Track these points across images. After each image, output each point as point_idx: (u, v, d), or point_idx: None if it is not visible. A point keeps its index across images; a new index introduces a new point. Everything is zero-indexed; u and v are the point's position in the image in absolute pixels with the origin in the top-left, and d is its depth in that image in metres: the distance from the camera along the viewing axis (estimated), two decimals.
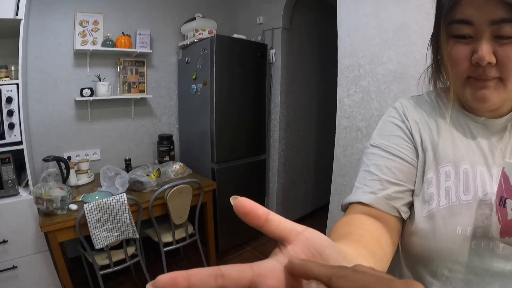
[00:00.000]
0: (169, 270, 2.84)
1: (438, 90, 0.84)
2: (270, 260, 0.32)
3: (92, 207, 2.33)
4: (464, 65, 0.66)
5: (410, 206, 0.77)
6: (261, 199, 4.05)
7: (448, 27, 0.67)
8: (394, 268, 0.85)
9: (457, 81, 0.70)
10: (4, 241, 2.38)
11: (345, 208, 0.79)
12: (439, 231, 0.70)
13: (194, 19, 3.65)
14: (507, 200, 0.59)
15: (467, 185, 0.71)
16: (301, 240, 0.34)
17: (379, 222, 0.71)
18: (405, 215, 0.76)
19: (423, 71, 0.85)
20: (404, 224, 0.78)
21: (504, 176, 0.60)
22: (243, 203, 0.32)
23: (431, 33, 0.76)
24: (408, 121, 0.81)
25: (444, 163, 0.74)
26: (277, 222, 0.34)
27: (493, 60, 0.61)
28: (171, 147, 3.79)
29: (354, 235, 0.63)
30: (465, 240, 0.68)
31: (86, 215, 2.30)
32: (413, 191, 0.77)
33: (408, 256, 0.79)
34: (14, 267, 2.44)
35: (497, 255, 0.66)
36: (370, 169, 0.79)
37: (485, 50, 0.61)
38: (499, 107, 0.72)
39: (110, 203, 2.40)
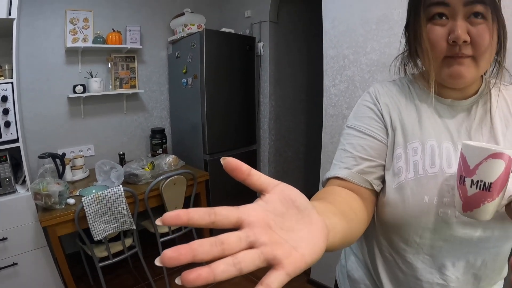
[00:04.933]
0: None
1: (409, 76, 0.92)
2: (252, 204, 0.39)
3: (90, 200, 2.36)
4: (441, 46, 0.73)
5: (382, 180, 0.85)
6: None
7: (426, 10, 0.74)
8: (371, 237, 0.92)
9: (435, 62, 0.76)
10: (4, 239, 2.39)
11: (325, 184, 0.87)
12: (408, 200, 0.77)
13: (183, 14, 3.67)
14: (466, 179, 0.66)
15: (433, 159, 0.78)
16: (277, 190, 0.40)
17: (353, 193, 0.79)
18: (377, 188, 0.83)
19: (392, 60, 0.93)
20: (378, 197, 0.85)
21: (462, 156, 0.67)
22: (230, 161, 0.40)
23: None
24: (379, 103, 0.88)
25: (412, 140, 0.82)
26: (257, 176, 0.41)
27: (468, 39, 0.69)
28: (164, 140, 3.83)
29: (327, 199, 0.71)
30: (432, 208, 0.75)
31: (85, 207, 2.34)
32: (384, 166, 0.85)
33: (383, 226, 0.86)
34: (14, 264, 2.45)
35: (463, 223, 0.73)
36: (346, 148, 0.87)
37: (461, 29, 0.69)
38: (466, 87, 0.80)
39: (108, 195, 2.43)
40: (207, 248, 0.33)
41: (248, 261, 0.34)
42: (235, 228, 0.36)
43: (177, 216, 0.34)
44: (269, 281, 0.33)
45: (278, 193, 0.40)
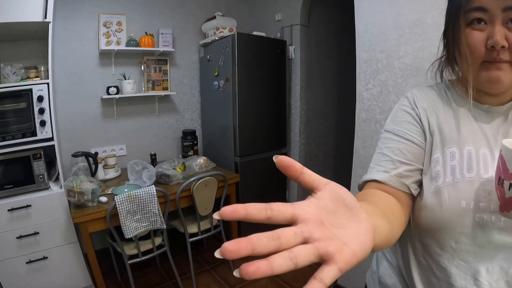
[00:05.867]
0: (194, 261, 2.94)
1: (446, 81, 0.92)
2: (305, 200, 0.40)
3: (123, 199, 2.40)
4: (480, 50, 0.73)
5: (420, 184, 0.84)
6: (282, 192, 4.11)
7: (465, 15, 0.74)
8: (406, 241, 0.91)
9: (473, 66, 0.75)
10: (36, 233, 2.48)
11: (361, 187, 0.87)
12: (445, 204, 0.76)
13: (214, 17, 3.72)
14: (504, 181, 0.65)
15: (470, 164, 0.77)
16: (328, 189, 0.41)
17: (391, 196, 0.79)
18: (414, 192, 0.83)
19: (429, 66, 0.93)
20: (415, 201, 0.85)
21: (501, 158, 0.66)
22: (284, 160, 0.41)
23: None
24: (417, 108, 0.88)
25: (450, 144, 0.81)
26: (309, 175, 0.42)
27: (506, 44, 0.69)
28: (195, 142, 3.87)
29: (368, 201, 0.72)
30: (468, 213, 0.74)
31: (117, 206, 2.38)
32: (421, 170, 0.84)
33: (419, 230, 0.85)
34: (44, 258, 2.53)
35: (499, 228, 0.72)
36: (384, 151, 0.87)
37: (499, 35, 0.69)
38: (503, 93, 0.79)
39: (140, 194, 2.47)
40: (264, 242, 0.34)
41: (304, 255, 0.34)
42: (287, 224, 0.37)
43: (234, 210, 0.35)
44: (323, 276, 0.34)
45: (329, 191, 0.41)
